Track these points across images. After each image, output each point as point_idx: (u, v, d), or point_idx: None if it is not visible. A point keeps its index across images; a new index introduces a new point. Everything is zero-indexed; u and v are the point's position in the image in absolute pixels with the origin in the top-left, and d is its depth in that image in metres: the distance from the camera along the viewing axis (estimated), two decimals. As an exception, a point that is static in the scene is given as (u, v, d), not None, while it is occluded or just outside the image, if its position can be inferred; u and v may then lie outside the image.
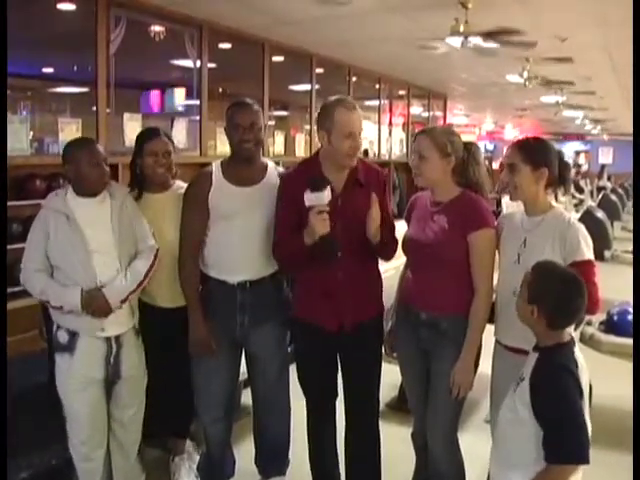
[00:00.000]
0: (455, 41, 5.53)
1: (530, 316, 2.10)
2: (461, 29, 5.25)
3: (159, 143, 3.10)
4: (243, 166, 2.93)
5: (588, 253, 2.45)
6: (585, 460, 1.97)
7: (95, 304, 2.68)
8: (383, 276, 2.93)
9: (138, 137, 3.20)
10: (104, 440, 2.90)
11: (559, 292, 2.07)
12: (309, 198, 2.53)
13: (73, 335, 2.74)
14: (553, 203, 2.64)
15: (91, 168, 2.73)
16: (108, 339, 2.78)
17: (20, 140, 4.31)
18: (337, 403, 2.95)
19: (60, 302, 2.69)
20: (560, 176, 2.59)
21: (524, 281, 2.15)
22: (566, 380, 2.01)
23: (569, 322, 2.14)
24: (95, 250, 2.72)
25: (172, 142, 3.19)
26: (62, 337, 2.76)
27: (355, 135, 2.65)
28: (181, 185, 3.19)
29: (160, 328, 3.02)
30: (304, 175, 2.66)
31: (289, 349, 3.10)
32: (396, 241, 2.82)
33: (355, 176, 2.74)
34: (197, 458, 3.36)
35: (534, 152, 2.53)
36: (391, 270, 3.12)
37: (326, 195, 2.54)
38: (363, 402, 2.89)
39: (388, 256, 2.85)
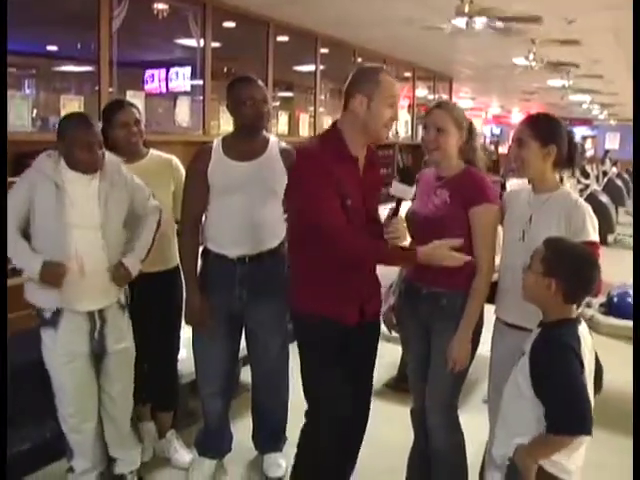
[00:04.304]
0: (460, 22, 5.50)
1: (545, 291, 2.09)
2: (466, 9, 5.23)
3: (128, 113, 3.11)
4: (245, 141, 2.94)
5: (593, 234, 2.44)
6: (587, 431, 1.96)
7: (52, 276, 2.65)
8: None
9: (105, 109, 3.20)
10: (93, 412, 2.90)
11: (578, 264, 2.09)
12: (397, 188, 2.47)
13: (56, 311, 2.73)
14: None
15: (83, 151, 2.67)
16: (91, 315, 2.77)
17: (21, 117, 4.31)
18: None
19: (21, 265, 2.69)
20: (568, 157, 2.57)
21: (536, 256, 2.14)
22: (565, 353, 2.01)
23: (585, 294, 2.16)
24: (77, 224, 2.68)
25: (138, 110, 3.19)
26: (46, 312, 2.75)
27: (396, 105, 2.55)
28: (156, 153, 3.23)
29: (138, 295, 2.99)
30: (332, 151, 2.47)
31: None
32: None
33: (370, 154, 2.67)
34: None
35: (544, 128, 2.52)
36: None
37: (413, 191, 2.51)
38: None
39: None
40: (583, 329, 2.12)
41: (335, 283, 2.53)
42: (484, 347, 2.70)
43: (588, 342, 2.10)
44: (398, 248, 2.50)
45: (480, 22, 5.42)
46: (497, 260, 2.67)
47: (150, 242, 2.91)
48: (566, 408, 1.96)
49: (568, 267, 2.08)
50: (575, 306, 2.15)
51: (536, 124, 2.54)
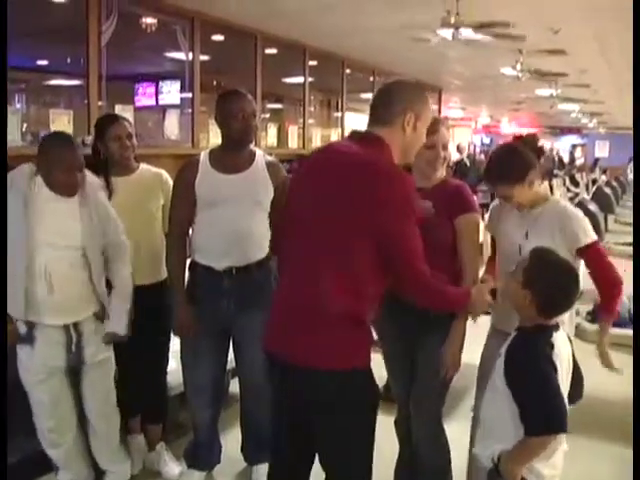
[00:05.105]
0: (446, 33, 5.56)
1: (522, 300, 2.11)
2: (452, 21, 5.28)
3: (121, 127, 3.14)
4: (232, 154, 2.96)
5: (585, 238, 2.50)
6: (563, 428, 1.97)
7: None
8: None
9: (98, 123, 3.23)
10: (71, 426, 2.90)
11: (554, 281, 2.10)
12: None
13: (31, 326, 2.70)
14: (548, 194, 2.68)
15: (61, 174, 2.64)
16: (67, 328, 2.75)
17: (11, 132, 4.34)
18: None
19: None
20: (538, 156, 2.60)
21: (520, 264, 2.17)
22: (537, 357, 2.03)
23: (560, 311, 2.16)
24: (48, 242, 2.65)
25: (130, 124, 3.22)
26: (21, 328, 2.71)
27: None
28: (146, 167, 3.26)
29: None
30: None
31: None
32: None
33: None
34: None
35: (514, 171, 2.53)
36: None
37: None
38: None
39: None
40: (559, 336, 2.13)
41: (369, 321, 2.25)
42: (473, 355, 2.72)
43: (563, 349, 2.12)
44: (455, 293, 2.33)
45: (465, 34, 5.48)
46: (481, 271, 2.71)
47: (130, 282, 2.91)
48: (540, 409, 1.97)
49: (545, 284, 2.09)
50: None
51: (505, 175, 2.54)
